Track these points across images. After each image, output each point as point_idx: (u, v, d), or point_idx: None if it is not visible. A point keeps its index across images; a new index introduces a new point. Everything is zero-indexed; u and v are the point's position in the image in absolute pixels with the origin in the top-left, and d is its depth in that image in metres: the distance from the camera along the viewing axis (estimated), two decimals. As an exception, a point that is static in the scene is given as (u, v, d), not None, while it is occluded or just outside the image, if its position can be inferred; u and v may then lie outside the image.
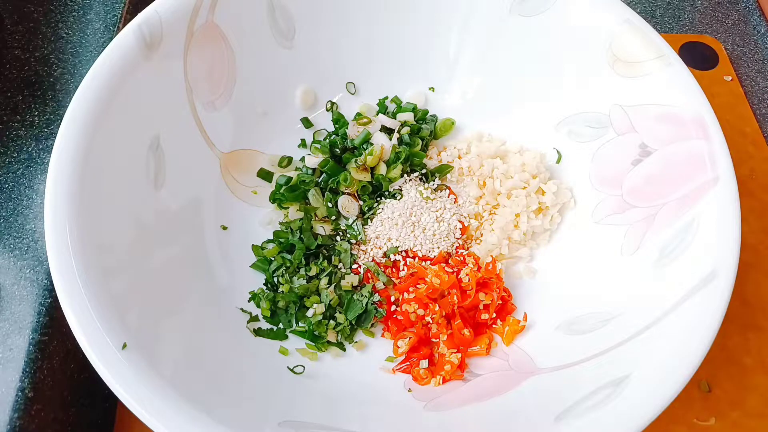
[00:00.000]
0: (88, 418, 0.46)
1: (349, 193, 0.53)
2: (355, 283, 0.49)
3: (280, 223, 0.52)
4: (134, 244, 0.42)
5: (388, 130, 0.56)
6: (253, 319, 0.48)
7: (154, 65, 0.46)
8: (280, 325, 0.48)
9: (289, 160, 0.56)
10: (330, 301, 0.48)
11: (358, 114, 0.57)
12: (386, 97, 0.58)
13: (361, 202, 0.53)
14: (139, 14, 0.46)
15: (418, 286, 0.48)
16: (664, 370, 0.37)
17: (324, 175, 0.54)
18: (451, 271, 0.49)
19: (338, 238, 0.52)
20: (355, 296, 0.49)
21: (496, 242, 0.51)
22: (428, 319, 0.48)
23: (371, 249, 0.51)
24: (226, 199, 0.52)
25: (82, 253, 0.38)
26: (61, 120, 0.42)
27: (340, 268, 0.50)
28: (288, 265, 0.49)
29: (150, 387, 0.35)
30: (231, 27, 0.51)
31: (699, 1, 0.74)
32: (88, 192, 0.40)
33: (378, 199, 0.53)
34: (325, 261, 0.50)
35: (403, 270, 0.50)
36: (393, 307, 0.49)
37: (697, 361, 0.37)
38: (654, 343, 0.39)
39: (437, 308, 0.47)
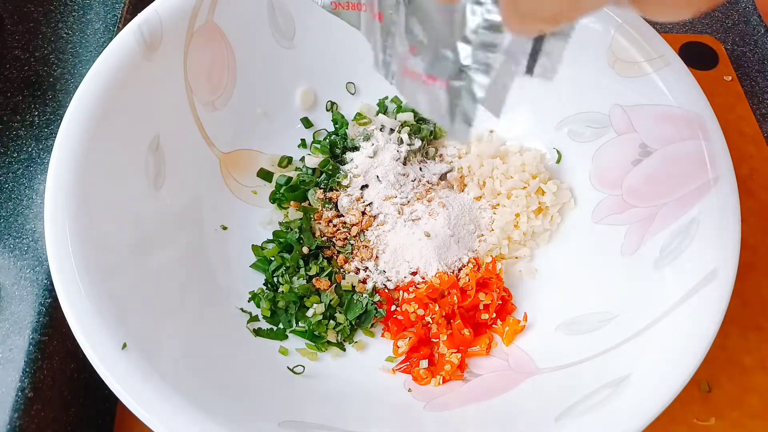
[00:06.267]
0: (88, 418, 0.46)
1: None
2: (355, 283, 0.49)
3: (280, 223, 0.52)
4: (134, 244, 0.42)
5: (388, 130, 0.56)
6: (253, 319, 0.48)
7: (154, 65, 0.46)
8: (280, 325, 0.48)
9: (289, 160, 0.56)
10: (330, 301, 0.48)
11: (358, 114, 0.57)
12: (386, 97, 0.58)
13: (361, 202, 0.53)
14: (139, 14, 0.46)
15: (418, 286, 0.48)
16: (664, 370, 0.37)
17: (324, 175, 0.54)
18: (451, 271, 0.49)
19: (338, 238, 0.52)
20: (355, 296, 0.49)
21: (496, 242, 0.51)
22: (428, 319, 0.48)
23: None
24: (226, 199, 0.52)
25: (82, 253, 0.38)
26: (61, 120, 0.42)
27: (341, 268, 0.50)
28: (288, 265, 0.49)
29: (150, 387, 0.35)
30: (231, 27, 0.51)
31: (699, 1, 0.73)
32: (88, 192, 0.40)
33: (378, 199, 0.53)
34: (325, 261, 0.50)
35: (403, 270, 0.50)
36: (393, 307, 0.49)
37: (697, 360, 0.37)
38: (654, 342, 0.39)
39: (437, 308, 0.47)
